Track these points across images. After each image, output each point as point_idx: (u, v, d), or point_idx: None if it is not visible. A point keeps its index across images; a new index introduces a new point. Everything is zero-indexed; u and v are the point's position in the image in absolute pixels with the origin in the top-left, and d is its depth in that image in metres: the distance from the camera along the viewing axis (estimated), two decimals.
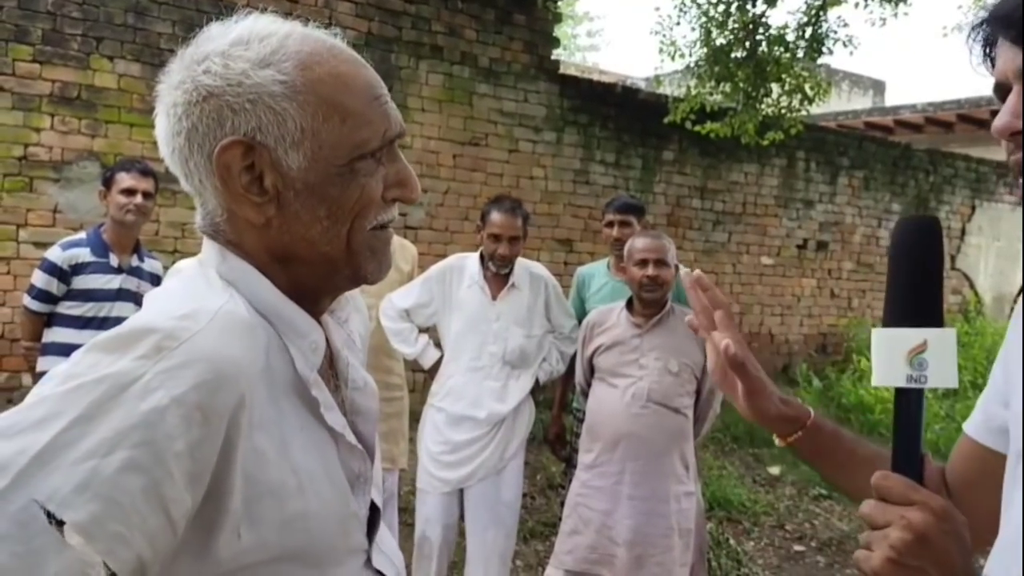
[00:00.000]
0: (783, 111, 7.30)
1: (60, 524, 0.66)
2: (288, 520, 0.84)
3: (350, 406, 1.01)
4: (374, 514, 1.02)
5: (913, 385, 0.91)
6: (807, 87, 7.22)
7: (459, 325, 3.50)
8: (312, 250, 0.91)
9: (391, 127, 0.93)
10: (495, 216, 3.44)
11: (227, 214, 0.92)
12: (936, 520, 0.84)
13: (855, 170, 9.60)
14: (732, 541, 4.78)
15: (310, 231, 0.90)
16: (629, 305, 3.24)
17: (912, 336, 0.91)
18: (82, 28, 5.30)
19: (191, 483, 0.74)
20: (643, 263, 3.10)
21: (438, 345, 3.67)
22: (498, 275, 3.50)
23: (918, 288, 0.95)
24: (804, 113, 7.43)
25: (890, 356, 0.92)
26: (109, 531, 0.68)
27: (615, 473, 3.07)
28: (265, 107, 0.87)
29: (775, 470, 6.37)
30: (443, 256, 3.78)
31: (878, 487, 0.89)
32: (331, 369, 1.01)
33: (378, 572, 1.00)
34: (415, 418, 3.75)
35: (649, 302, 3.15)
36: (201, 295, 0.87)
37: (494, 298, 3.49)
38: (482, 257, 3.52)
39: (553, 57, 7.46)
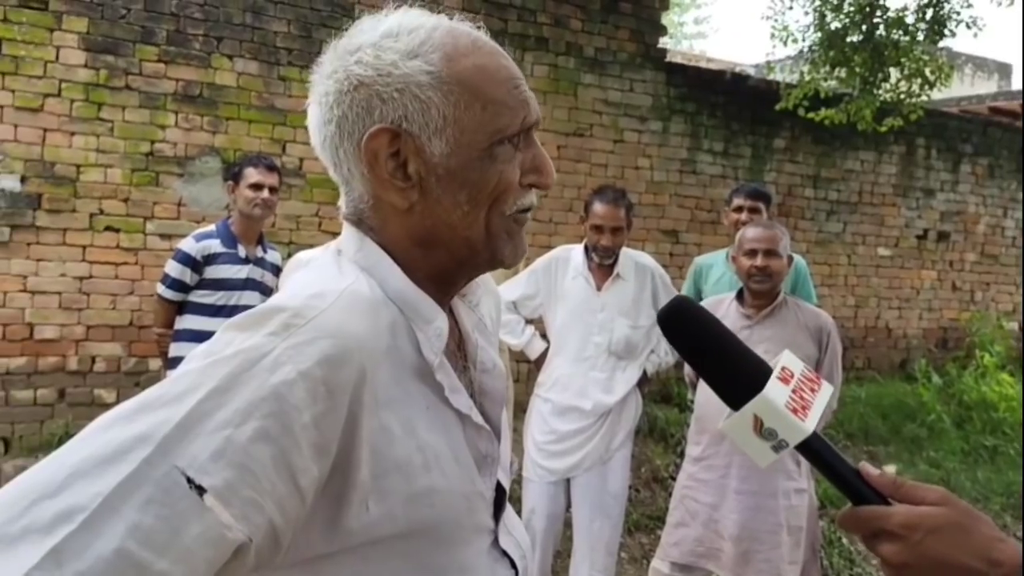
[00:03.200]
0: (902, 96, 7.03)
1: (200, 489, 0.70)
2: (415, 495, 0.87)
3: (478, 388, 1.03)
4: (501, 496, 1.04)
5: (783, 451, 0.92)
6: (927, 71, 6.92)
7: (564, 316, 3.52)
8: (453, 234, 0.94)
9: (529, 114, 0.95)
10: (598, 207, 3.43)
11: (372, 200, 0.96)
12: (902, 541, 0.85)
13: (979, 157, 9.14)
14: (845, 540, 4.65)
15: (451, 215, 0.93)
16: (740, 296, 3.18)
17: (744, 419, 0.92)
18: (203, 28, 5.53)
19: (317, 454, 0.78)
20: (752, 253, 3.04)
21: (544, 336, 3.70)
22: (603, 266, 3.49)
23: (715, 375, 0.96)
24: (924, 98, 7.13)
25: (748, 442, 0.93)
26: (243, 496, 0.73)
27: (722, 467, 3.03)
28: (412, 96, 0.90)
29: (891, 468, 6.15)
30: (547, 247, 3.80)
31: (844, 529, 0.92)
32: (460, 351, 1.03)
33: (504, 553, 1.01)
34: (520, 408, 3.78)
35: (758, 293, 3.08)
36: (330, 277, 0.91)
37: (599, 289, 3.48)
38: (587, 248, 3.52)
39: (660, 45, 7.36)
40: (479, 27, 0.98)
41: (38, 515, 0.66)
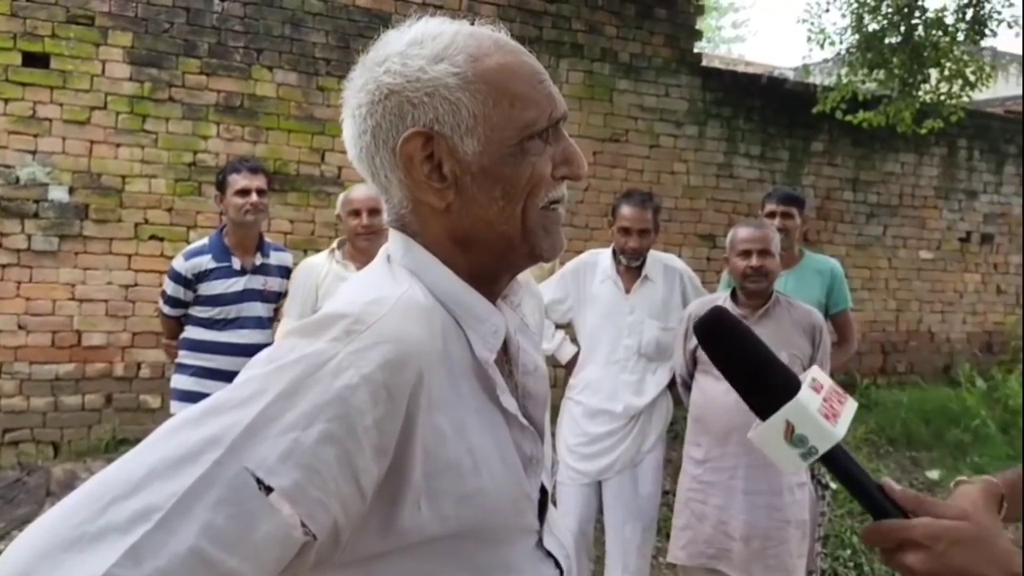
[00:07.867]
0: (942, 98, 6.94)
1: (268, 490, 0.73)
2: (465, 496, 0.89)
3: (522, 390, 1.05)
4: (544, 497, 1.06)
5: (812, 459, 0.93)
6: (968, 72, 6.84)
7: (594, 319, 3.54)
8: (490, 231, 0.96)
9: (556, 108, 0.98)
10: (625, 209, 3.46)
11: (411, 204, 0.99)
12: (926, 551, 0.86)
13: None
14: None
15: (487, 212, 0.95)
16: (734, 296, 3.20)
17: (776, 425, 0.93)
18: (244, 41, 5.65)
19: (377, 455, 0.81)
20: (747, 254, 3.07)
21: (574, 341, 3.72)
22: (630, 268, 3.51)
23: (748, 381, 0.97)
24: (966, 99, 7.04)
25: (776, 450, 0.94)
26: (310, 496, 0.76)
27: (729, 468, 3.04)
28: (441, 98, 0.93)
29: (934, 474, 6.07)
30: (582, 252, 3.83)
31: (868, 542, 0.93)
32: (504, 354, 1.03)
33: (548, 553, 1.04)
34: (553, 412, 3.80)
35: (753, 293, 3.11)
36: (385, 284, 0.95)
37: (627, 291, 3.50)
38: (615, 251, 3.54)
39: (696, 50, 7.35)
40: (500, 29, 1.01)
41: (116, 514, 0.69)
